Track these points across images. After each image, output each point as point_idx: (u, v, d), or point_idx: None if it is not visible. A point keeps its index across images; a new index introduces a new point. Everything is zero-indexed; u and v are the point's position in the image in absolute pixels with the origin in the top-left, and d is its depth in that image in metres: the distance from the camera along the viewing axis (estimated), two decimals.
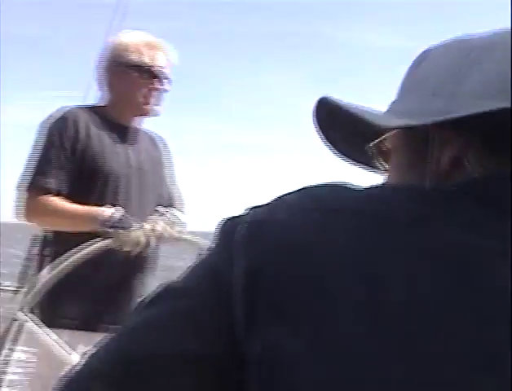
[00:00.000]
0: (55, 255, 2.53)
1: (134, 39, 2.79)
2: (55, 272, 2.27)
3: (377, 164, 0.84)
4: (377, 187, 0.73)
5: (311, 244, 0.66)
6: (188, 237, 2.66)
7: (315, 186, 0.73)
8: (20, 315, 2.34)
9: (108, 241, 2.41)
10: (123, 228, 2.49)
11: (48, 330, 2.45)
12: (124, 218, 2.53)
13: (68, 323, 2.56)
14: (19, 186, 2.63)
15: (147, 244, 2.55)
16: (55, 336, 2.44)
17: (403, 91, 0.80)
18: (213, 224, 0.74)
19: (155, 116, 2.82)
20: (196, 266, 0.72)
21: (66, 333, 2.53)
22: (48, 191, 2.58)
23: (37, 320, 2.43)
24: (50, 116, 2.67)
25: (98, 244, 2.38)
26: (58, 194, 2.59)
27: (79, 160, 2.61)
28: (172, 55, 2.82)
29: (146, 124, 2.89)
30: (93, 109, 2.78)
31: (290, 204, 0.71)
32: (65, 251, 2.46)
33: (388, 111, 0.80)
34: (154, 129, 2.99)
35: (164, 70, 2.78)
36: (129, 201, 2.67)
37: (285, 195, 0.72)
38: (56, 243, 2.62)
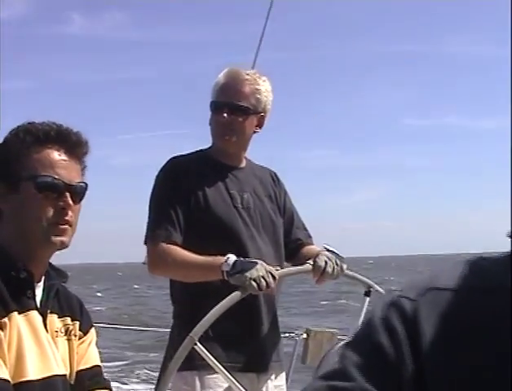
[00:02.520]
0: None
1: (223, 74, 2.75)
2: (202, 323, 2.31)
3: None
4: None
5: (483, 330, 0.66)
6: (357, 276, 2.75)
7: (473, 261, 0.73)
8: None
9: (237, 294, 2.37)
10: (237, 271, 2.43)
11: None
12: (239, 262, 2.46)
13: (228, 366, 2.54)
14: (145, 241, 2.68)
15: (271, 281, 2.45)
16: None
17: None
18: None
19: (231, 148, 2.77)
20: (366, 340, 0.73)
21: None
22: (167, 243, 2.60)
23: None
24: (162, 168, 2.73)
25: (230, 299, 2.35)
26: (176, 244, 2.61)
27: (190, 209, 2.64)
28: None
29: (254, 159, 2.91)
30: (200, 153, 2.80)
31: (456, 283, 0.71)
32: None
33: None
34: (266, 163, 3.00)
35: (231, 97, 2.71)
36: (243, 244, 2.66)
37: (447, 269, 0.73)
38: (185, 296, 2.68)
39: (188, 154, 2.81)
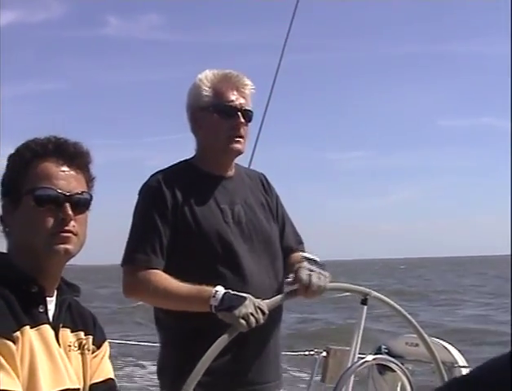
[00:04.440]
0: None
1: (206, 77, 2.62)
2: (194, 374, 2.17)
3: None
4: None
5: None
6: (349, 286, 2.59)
7: None
8: None
9: (224, 338, 2.25)
10: (227, 307, 2.29)
11: None
12: (227, 297, 2.31)
13: None
14: (122, 263, 2.52)
15: (260, 317, 2.30)
16: None
17: None
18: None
19: (240, 153, 2.64)
20: None
21: None
22: (149, 268, 2.45)
23: None
24: (144, 185, 2.59)
25: (218, 344, 2.23)
26: (159, 268, 2.46)
27: (177, 228, 2.49)
28: (248, 84, 2.64)
29: (243, 163, 2.79)
30: (184, 165, 2.66)
31: None
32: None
33: None
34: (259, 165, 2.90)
35: (242, 102, 2.60)
36: (239, 261, 2.52)
37: None
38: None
39: (172, 166, 2.66)
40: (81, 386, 1.74)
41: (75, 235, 1.71)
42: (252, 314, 2.28)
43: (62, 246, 1.69)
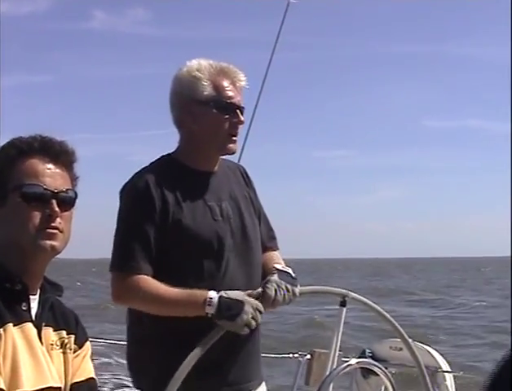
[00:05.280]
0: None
1: (204, 68, 2.51)
2: (180, 371, 2.13)
3: None
4: None
5: None
6: (328, 288, 2.57)
7: None
8: None
9: (216, 332, 2.24)
10: (228, 315, 2.26)
11: None
12: (224, 304, 2.28)
13: None
14: (110, 269, 2.45)
15: (259, 318, 2.30)
16: None
17: None
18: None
19: (233, 153, 2.61)
20: None
21: None
22: (139, 272, 2.39)
23: None
24: (127, 185, 2.51)
25: (209, 337, 2.22)
26: (148, 274, 2.40)
27: (165, 229, 2.42)
28: (243, 79, 2.56)
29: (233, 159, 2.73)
30: (167, 160, 2.57)
31: None
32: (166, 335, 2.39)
33: None
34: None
35: (239, 99, 2.54)
36: (224, 258, 2.47)
37: None
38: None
39: (155, 163, 2.56)
40: (62, 385, 1.74)
41: (61, 232, 1.72)
42: (253, 318, 2.27)
43: (48, 242, 1.69)
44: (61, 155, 1.77)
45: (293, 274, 2.43)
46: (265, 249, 2.68)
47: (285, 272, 2.42)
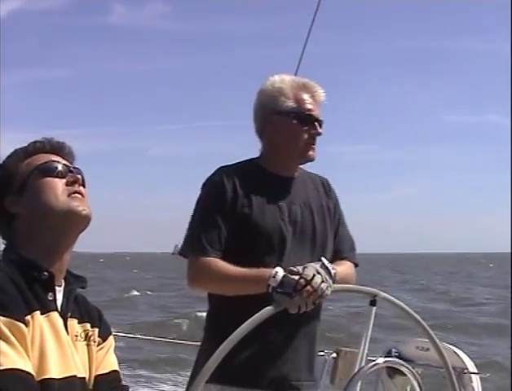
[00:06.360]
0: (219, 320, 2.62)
1: (287, 82, 2.71)
2: (223, 347, 2.08)
3: None
4: None
5: None
6: (358, 287, 2.55)
7: None
8: None
9: (272, 308, 2.21)
10: (287, 292, 2.33)
11: None
12: (286, 280, 2.37)
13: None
14: (183, 254, 2.67)
15: (311, 306, 2.38)
16: None
17: None
18: None
19: (313, 160, 2.75)
20: None
21: None
22: (209, 256, 2.57)
23: None
24: (208, 179, 2.70)
25: (264, 312, 2.19)
26: (218, 257, 2.57)
27: (234, 221, 2.60)
28: (322, 94, 2.74)
29: (306, 167, 2.85)
30: (249, 164, 2.76)
31: None
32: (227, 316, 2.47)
33: None
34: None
35: (318, 112, 2.71)
36: (285, 257, 2.60)
37: None
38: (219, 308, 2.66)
39: (237, 163, 2.76)
40: (86, 376, 1.75)
41: (84, 197, 1.78)
42: (306, 305, 2.35)
43: (80, 206, 1.73)
44: (62, 149, 1.85)
45: (333, 274, 2.45)
46: (342, 259, 2.79)
47: (328, 268, 2.45)
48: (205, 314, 2.82)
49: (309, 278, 2.34)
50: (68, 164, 1.81)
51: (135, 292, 33.82)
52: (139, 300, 30.77)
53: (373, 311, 2.57)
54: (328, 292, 2.38)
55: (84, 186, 1.81)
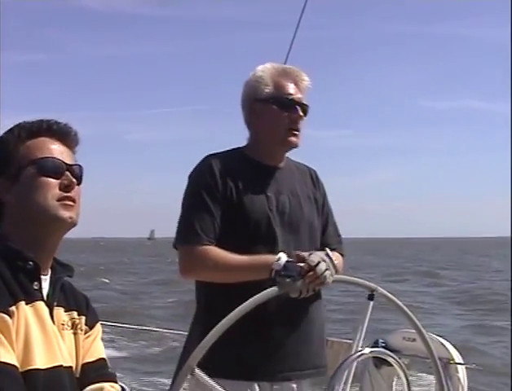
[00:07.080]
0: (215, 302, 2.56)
1: (267, 70, 2.70)
2: (223, 323, 2.05)
3: None
4: None
5: None
6: (357, 280, 2.52)
7: None
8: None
9: (274, 289, 2.21)
10: (290, 276, 2.33)
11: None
12: (290, 264, 2.38)
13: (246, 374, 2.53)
14: (175, 244, 2.62)
15: (311, 291, 2.42)
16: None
17: None
18: None
19: (296, 146, 2.72)
20: None
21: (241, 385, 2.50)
22: (204, 244, 2.54)
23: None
24: (196, 167, 2.67)
25: (267, 292, 2.18)
26: (213, 245, 2.55)
27: (224, 210, 2.58)
28: (306, 79, 2.72)
29: (293, 156, 2.83)
30: (237, 152, 2.74)
31: None
32: (226, 299, 2.34)
33: None
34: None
35: (301, 97, 2.68)
36: (275, 246, 2.57)
37: None
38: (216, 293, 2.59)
39: (225, 152, 2.73)
40: (73, 364, 1.74)
41: (75, 203, 1.75)
42: (307, 290, 2.36)
43: (67, 213, 1.72)
44: (68, 135, 1.81)
45: (336, 264, 2.47)
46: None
47: (331, 258, 2.46)
48: None
49: (313, 264, 2.36)
50: (67, 161, 1.77)
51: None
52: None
53: (371, 305, 2.58)
54: (330, 280, 2.39)
55: (80, 183, 1.79)
